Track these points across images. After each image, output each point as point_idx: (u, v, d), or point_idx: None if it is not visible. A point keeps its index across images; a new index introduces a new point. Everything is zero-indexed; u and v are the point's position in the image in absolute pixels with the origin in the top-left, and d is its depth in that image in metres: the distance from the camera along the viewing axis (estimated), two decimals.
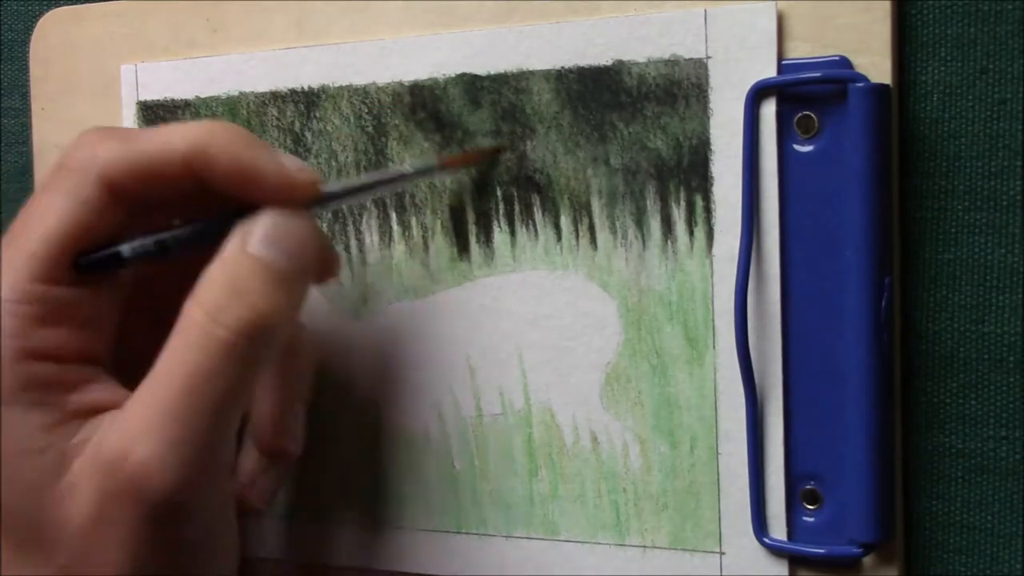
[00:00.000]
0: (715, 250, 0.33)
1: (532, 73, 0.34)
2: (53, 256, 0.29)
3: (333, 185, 0.32)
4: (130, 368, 0.30)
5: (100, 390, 0.30)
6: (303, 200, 0.31)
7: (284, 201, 0.30)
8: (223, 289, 0.29)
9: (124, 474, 0.27)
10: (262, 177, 0.30)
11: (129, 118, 0.40)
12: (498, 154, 0.35)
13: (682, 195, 0.33)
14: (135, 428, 0.28)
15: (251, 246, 0.29)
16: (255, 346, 0.28)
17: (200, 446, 0.28)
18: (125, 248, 0.30)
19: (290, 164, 0.30)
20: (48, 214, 0.30)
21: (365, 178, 0.33)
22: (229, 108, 0.38)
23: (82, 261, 0.30)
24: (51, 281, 0.29)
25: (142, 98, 0.40)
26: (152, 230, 0.30)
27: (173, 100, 0.39)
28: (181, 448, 0.27)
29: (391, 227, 0.36)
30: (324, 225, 0.37)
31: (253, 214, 0.30)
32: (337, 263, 0.34)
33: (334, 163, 0.37)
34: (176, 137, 0.30)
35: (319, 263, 0.32)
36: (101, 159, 0.30)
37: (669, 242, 0.33)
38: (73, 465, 0.28)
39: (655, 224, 0.33)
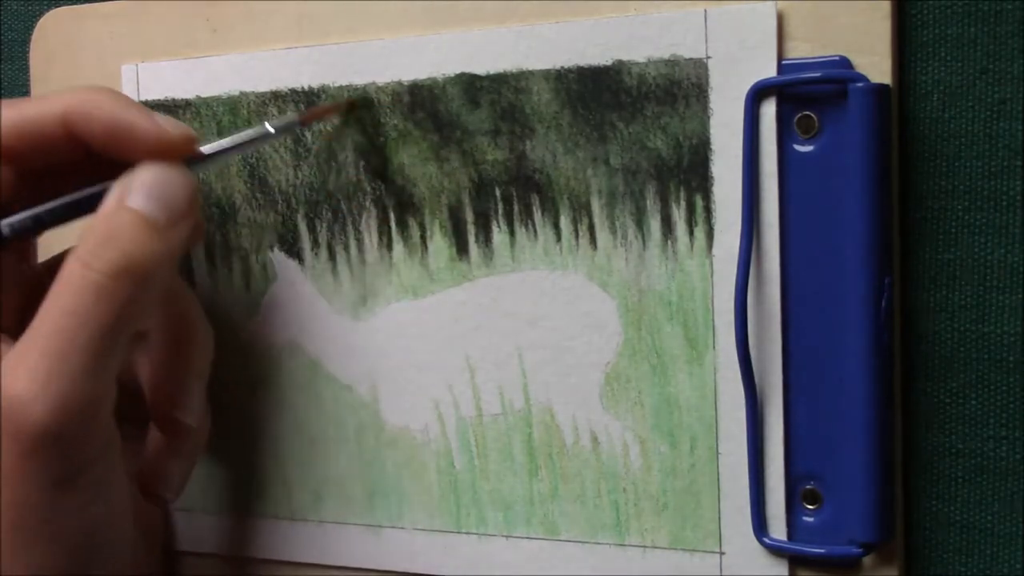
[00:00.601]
0: (715, 250, 0.33)
1: (532, 73, 0.34)
2: None
3: (207, 146, 0.33)
4: None
5: None
6: (178, 155, 0.32)
7: (160, 157, 0.32)
8: (98, 238, 0.30)
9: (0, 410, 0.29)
10: (137, 133, 0.32)
11: None
12: (354, 107, 0.36)
13: (682, 195, 0.33)
14: (11, 367, 0.29)
15: (128, 199, 0.31)
16: (127, 289, 0.30)
17: (74, 382, 0.29)
18: (3, 227, 0.32)
19: (165, 122, 0.32)
20: None
21: (234, 138, 0.34)
22: (229, 108, 0.38)
23: None
24: None
25: (143, 98, 0.40)
26: (31, 206, 0.32)
27: (174, 100, 0.39)
28: (54, 383, 0.29)
29: (390, 227, 0.36)
30: (324, 226, 0.37)
31: (131, 169, 0.31)
32: (203, 228, 0.36)
33: (333, 163, 0.37)
34: (55, 100, 0.32)
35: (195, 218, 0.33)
36: None
37: (669, 242, 0.33)
38: None
39: (655, 224, 0.33)
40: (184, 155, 0.32)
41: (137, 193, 0.31)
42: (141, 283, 0.30)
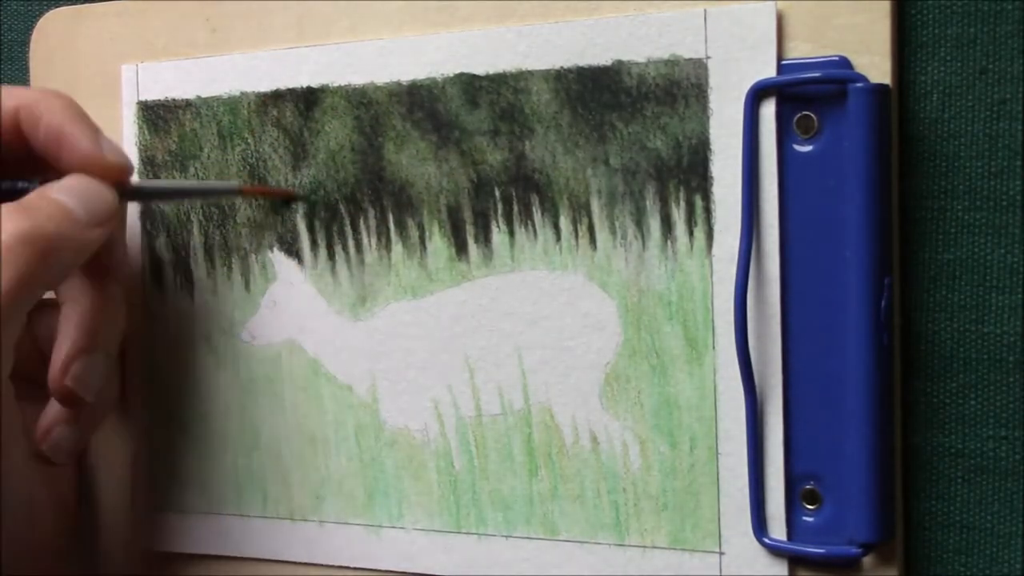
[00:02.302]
0: (715, 250, 0.33)
1: (531, 73, 0.34)
2: None
3: (142, 182, 0.35)
4: None
5: None
6: (109, 179, 0.33)
7: (92, 174, 0.33)
8: (11, 209, 0.32)
9: None
10: (77, 148, 0.33)
11: (129, 118, 0.40)
12: (292, 198, 0.37)
13: (682, 195, 0.33)
14: None
15: (52, 191, 0.32)
16: (26, 257, 0.31)
17: None
18: None
19: (106, 146, 0.33)
20: None
21: (173, 184, 0.36)
22: (229, 108, 0.38)
23: None
24: None
25: (142, 98, 0.40)
26: None
27: (174, 100, 0.39)
28: None
29: (388, 227, 0.36)
30: (323, 226, 0.37)
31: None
32: (123, 259, 0.37)
33: (332, 163, 0.37)
34: (9, 95, 0.33)
35: (111, 239, 0.34)
36: None
37: (669, 242, 0.33)
38: None
39: (655, 224, 0.33)
40: (114, 181, 0.34)
41: (61, 189, 0.32)
42: (43, 256, 0.31)
